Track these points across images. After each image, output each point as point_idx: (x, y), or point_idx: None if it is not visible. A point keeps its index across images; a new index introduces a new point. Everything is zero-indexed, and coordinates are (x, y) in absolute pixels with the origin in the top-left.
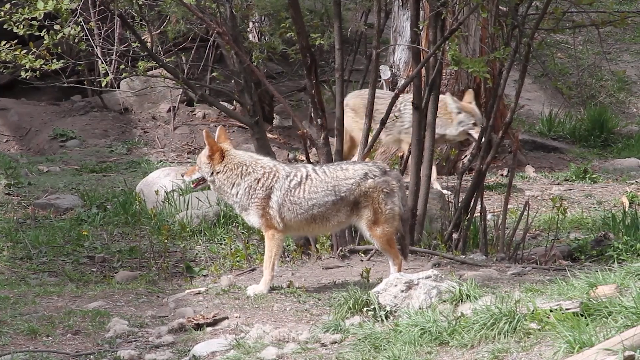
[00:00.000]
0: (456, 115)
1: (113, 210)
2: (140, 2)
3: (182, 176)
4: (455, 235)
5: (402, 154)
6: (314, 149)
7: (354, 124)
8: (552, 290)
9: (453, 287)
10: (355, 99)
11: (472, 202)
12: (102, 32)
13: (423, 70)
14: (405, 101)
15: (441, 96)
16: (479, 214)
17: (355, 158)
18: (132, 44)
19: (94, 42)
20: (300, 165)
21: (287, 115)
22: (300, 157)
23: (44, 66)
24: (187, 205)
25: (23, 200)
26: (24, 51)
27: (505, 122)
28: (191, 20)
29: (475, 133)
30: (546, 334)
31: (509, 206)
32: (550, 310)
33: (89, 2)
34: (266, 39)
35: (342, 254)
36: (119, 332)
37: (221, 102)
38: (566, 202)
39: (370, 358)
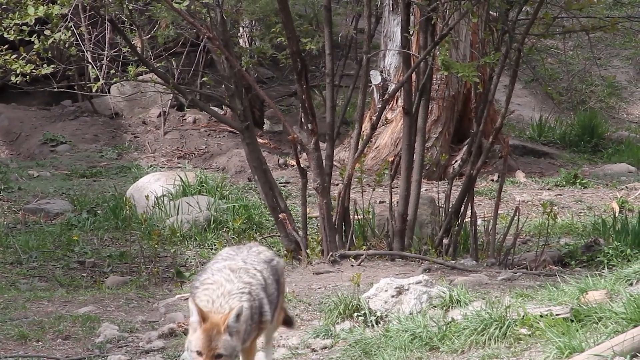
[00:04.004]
0: None
1: (103, 215)
2: (130, 7)
3: None
4: (445, 241)
5: (392, 159)
6: (304, 154)
7: None
8: (543, 295)
9: (443, 293)
10: None
11: (462, 208)
12: (93, 37)
13: (413, 75)
14: None
15: None
16: (469, 219)
17: None
18: (123, 48)
19: (84, 47)
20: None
21: (277, 120)
22: (290, 162)
23: (34, 71)
24: (178, 210)
25: (13, 205)
26: (15, 56)
27: (495, 127)
28: (181, 25)
29: None
30: (536, 340)
31: (499, 211)
32: (541, 316)
33: (80, 7)
34: (256, 43)
35: (333, 259)
36: (109, 337)
37: (212, 107)
38: (556, 208)
39: None
